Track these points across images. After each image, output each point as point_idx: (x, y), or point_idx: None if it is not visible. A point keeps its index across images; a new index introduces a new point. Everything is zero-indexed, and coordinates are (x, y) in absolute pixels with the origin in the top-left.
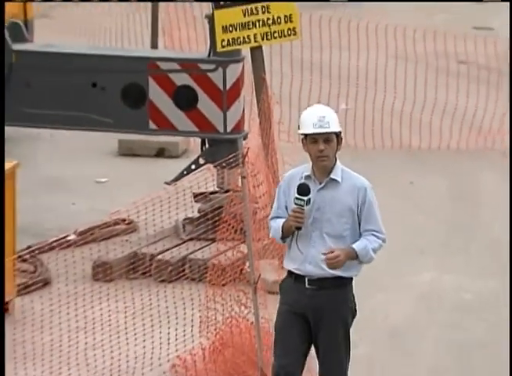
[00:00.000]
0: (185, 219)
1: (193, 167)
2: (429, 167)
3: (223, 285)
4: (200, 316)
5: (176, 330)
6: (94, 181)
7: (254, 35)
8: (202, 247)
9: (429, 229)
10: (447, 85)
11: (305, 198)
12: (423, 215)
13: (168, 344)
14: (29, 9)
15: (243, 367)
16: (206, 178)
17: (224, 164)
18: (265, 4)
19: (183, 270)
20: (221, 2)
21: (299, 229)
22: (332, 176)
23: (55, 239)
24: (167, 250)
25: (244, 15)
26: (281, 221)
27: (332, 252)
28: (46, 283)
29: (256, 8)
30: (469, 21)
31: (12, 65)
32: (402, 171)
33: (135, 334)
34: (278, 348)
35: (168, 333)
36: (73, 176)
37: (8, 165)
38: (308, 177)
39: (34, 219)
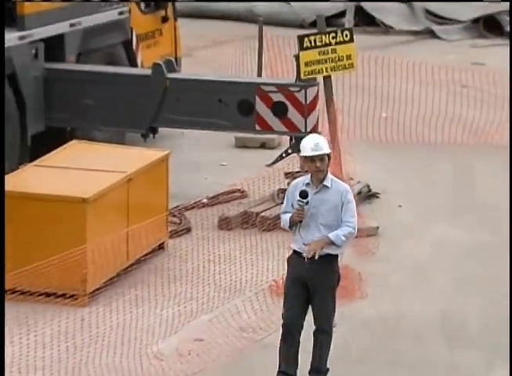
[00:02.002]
0: (278, 189)
1: (284, 155)
2: (441, 155)
3: None
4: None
5: (273, 262)
6: (219, 164)
7: (326, 68)
8: None
9: (440, 197)
10: (454, 101)
11: (305, 200)
12: (436, 188)
13: (267, 272)
14: (178, 49)
15: None
16: (292, 163)
17: None
18: (333, 47)
19: (278, 223)
20: (305, 46)
21: (301, 221)
22: (324, 183)
23: (194, 201)
24: (267, 209)
25: (319, 54)
26: (288, 215)
27: (308, 246)
28: (188, 230)
29: (327, 50)
30: (469, 59)
31: (167, 87)
32: (422, 158)
33: (246, 265)
34: (286, 303)
35: (267, 265)
36: (205, 161)
37: (163, 153)
38: (307, 184)
39: (180, 189)
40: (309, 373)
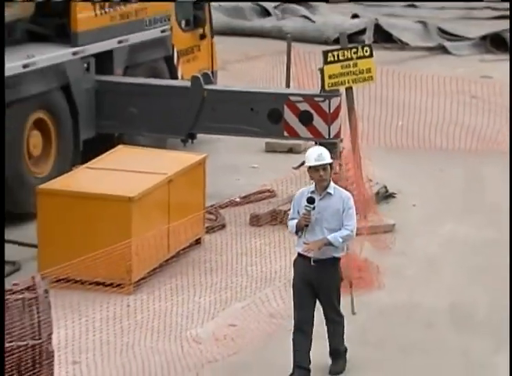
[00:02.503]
0: None
1: None
2: (452, 160)
3: None
4: None
5: None
6: (250, 167)
7: (348, 80)
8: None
9: (451, 198)
10: (464, 111)
11: (312, 206)
12: (447, 189)
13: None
14: (214, 64)
15: None
16: None
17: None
18: (354, 61)
19: None
20: (329, 60)
21: (307, 225)
22: (328, 191)
23: (228, 200)
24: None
25: (342, 68)
26: (295, 221)
27: (308, 245)
28: (223, 226)
29: (349, 64)
30: (477, 72)
31: (205, 98)
32: (434, 162)
33: (275, 258)
34: (296, 303)
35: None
36: (238, 164)
37: (200, 157)
38: (312, 192)
39: (215, 189)
40: (330, 354)
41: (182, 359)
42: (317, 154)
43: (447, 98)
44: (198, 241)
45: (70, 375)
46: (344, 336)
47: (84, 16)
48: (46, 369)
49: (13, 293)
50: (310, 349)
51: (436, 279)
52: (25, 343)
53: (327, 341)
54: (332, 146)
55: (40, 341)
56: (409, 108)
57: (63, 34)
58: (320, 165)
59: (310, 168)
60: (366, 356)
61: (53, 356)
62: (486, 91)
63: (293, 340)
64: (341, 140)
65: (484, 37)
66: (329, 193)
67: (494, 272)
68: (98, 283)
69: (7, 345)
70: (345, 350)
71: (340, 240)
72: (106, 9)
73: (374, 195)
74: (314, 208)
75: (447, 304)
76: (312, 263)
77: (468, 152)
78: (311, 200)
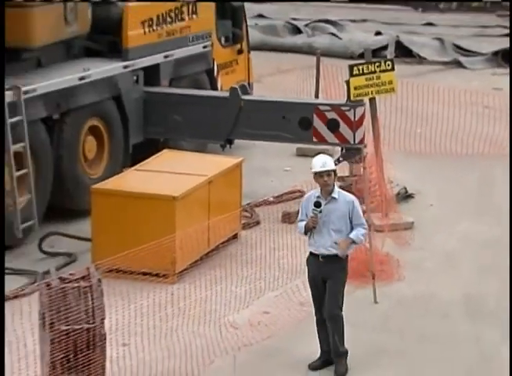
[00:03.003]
0: None
1: (336, 162)
2: (466, 164)
3: None
4: None
5: None
6: (283, 169)
7: (371, 92)
8: None
9: (465, 199)
10: (477, 120)
11: (319, 209)
12: (462, 190)
13: None
14: (250, 76)
15: (363, 271)
16: (343, 169)
17: (353, 161)
18: (377, 74)
19: None
20: (354, 73)
21: (314, 227)
22: (332, 195)
23: (262, 199)
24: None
25: (366, 80)
26: (303, 223)
27: (340, 244)
28: (257, 223)
29: (372, 77)
30: (490, 85)
31: (241, 107)
32: (450, 166)
33: (304, 252)
34: (312, 297)
35: None
36: (272, 167)
37: (237, 160)
38: (318, 196)
39: (251, 189)
40: (331, 355)
41: (221, 343)
42: (322, 162)
43: (461, 108)
44: (235, 236)
45: (120, 356)
46: (344, 337)
47: (134, 34)
48: (99, 350)
49: (70, 282)
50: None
51: (451, 272)
52: (80, 327)
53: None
54: (356, 151)
55: (94, 325)
56: (426, 117)
57: (115, 50)
58: (324, 171)
59: (315, 173)
60: (387, 342)
61: (105, 339)
62: (497, 101)
63: (317, 329)
64: (365, 145)
65: (496, 53)
66: (334, 198)
67: (504, 266)
68: (145, 274)
69: (65, 328)
70: (346, 352)
71: (362, 237)
72: (154, 27)
73: (395, 195)
74: (320, 212)
75: (461, 295)
76: (321, 259)
77: (481, 157)
78: (317, 205)
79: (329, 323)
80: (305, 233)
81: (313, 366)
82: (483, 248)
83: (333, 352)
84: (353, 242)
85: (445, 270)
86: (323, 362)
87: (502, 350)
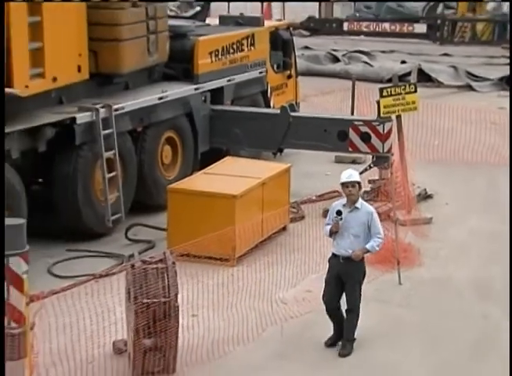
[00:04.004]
0: (364, 191)
1: (368, 168)
2: (476, 170)
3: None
4: None
5: None
6: (324, 174)
7: (397, 110)
8: (370, 204)
9: (475, 199)
10: (485, 133)
11: (339, 217)
12: (472, 192)
13: None
14: (298, 97)
15: (389, 258)
16: (373, 173)
17: (382, 167)
18: (403, 96)
19: None
20: (384, 95)
21: (337, 232)
22: (356, 205)
23: (306, 198)
24: None
25: (393, 100)
26: (329, 227)
27: (355, 252)
28: (302, 217)
29: (399, 98)
30: (496, 105)
31: (290, 122)
32: (463, 171)
33: None
34: (325, 291)
35: None
36: (315, 171)
37: (286, 165)
38: (344, 205)
39: (297, 189)
40: (342, 342)
41: (271, 315)
42: (348, 174)
43: (472, 124)
44: (284, 228)
45: (190, 325)
46: (356, 327)
47: (203, 62)
48: (173, 319)
49: (150, 264)
50: (340, 323)
51: (463, 259)
52: (158, 300)
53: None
54: (385, 159)
55: (169, 299)
56: (443, 131)
57: (188, 75)
58: (349, 182)
59: (342, 184)
60: (409, 316)
61: (178, 310)
62: (502, 119)
63: (328, 316)
64: (392, 154)
65: (501, 79)
66: (357, 208)
67: (506, 255)
68: (210, 258)
69: (146, 301)
70: (354, 339)
71: (376, 248)
72: (219, 57)
73: (416, 196)
74: (341, 219)
75: (471, 278)
76: (341, 260)
77: (488, 164)
78: (339, 213)
79: (348, 314)
80: (330, 236)
81: (329, 343)
82: (489, 240)
83: (344, 337)
84: (368, 251)
85: (458, 258)
86: (336, 339)
87: (503, 324)
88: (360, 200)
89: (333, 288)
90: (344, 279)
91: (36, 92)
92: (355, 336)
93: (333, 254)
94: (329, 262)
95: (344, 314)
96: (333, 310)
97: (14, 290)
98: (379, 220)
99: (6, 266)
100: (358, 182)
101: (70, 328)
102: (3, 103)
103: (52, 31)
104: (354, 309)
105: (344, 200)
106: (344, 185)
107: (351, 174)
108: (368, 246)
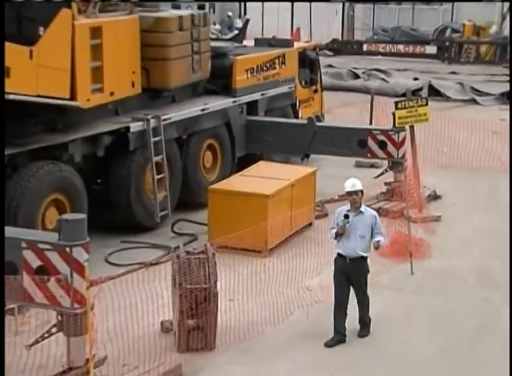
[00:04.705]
0: (380, 192)
1: (384, 172)
2: (480, 174)
3: (395, 218)
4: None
5: None
6: (343, 177)
7: (411, 121)
8: (386, 204)
9: (478, 199)
10: (488, 141)
11: (347, 220)
12: (477, 193)
13: None
14: (323, 109)
15: (403, 251)
16: (389, 177)
17: (397, 171)
18: (415, 108)
19: (379, 209)
20: (399, 107)
21: (342, 234)
22: (360, 210)
23: (329, 198)
24: (373, 203)
25: (407, 112)
26: (334, 230)
27: (375, 245)
28: (326, 215)
29: (412, 110)
30: (497, 117)
31: (316, 131)
32: (468, 175)
33: None
34: (335, 288)
35: None
36: (337, 174)
37: (312, 169)
38: (348, 210)
39: (321, 190)
40: (358, 322)
41: (298, 300)
42: (352, 184)
43: (476, 133)
44: (310, 224)
45: (227, 308)
46: (369, 311)
47: (240, 78)
48: (213, 303)
49: (193, 254)
50: (345, 320)
51: (467, 252)
52: (200, 286)
53: (358, 314)
54: (399, 164)
55: (209, 285)
56: (451, 139)
57: (227, 90)
58: (353, 191)
59: (347, 192)
60: (420, 302)
61: (217, 295)
62: (503, 129)
63: (334, 314)
64: (406, 160)
65: (502, 94)
66: (361, 212)
67: (505, 249)
68: (245, 250)
69: (189, 287)
70: (370, 320)
71: (384, 241)
72: (254, 74)
73: (426, 196)
74: (348, 222)
75: (474, 268)
76: (348, 261)
77: (491, 169)
78: (346, 216)
79: (359, 304)
80: (335, 238)
81: (329, 344)
82: (490, 236)
83: (360, 320)
84: (378, 244)
85: (462, 251)
86: (336, 341)
87: (503, 308)
88: (363, 205)
89: (343, 287)
90: (352, 277)
91: (96, 105)
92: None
93: (339, 255)
94: (335, 262)
95: (357, 305)
96: (343, 305)
97: (76, 276)
98: (380, 221)
99: (70, 255)
100: (361, 191)
101: (123, 309)
102: (3, 103)
103: (110, 52)
104: (363, 300)
105: (347, 207)
106: (349, 193)
107: (354, 183)
108: (379, 239)
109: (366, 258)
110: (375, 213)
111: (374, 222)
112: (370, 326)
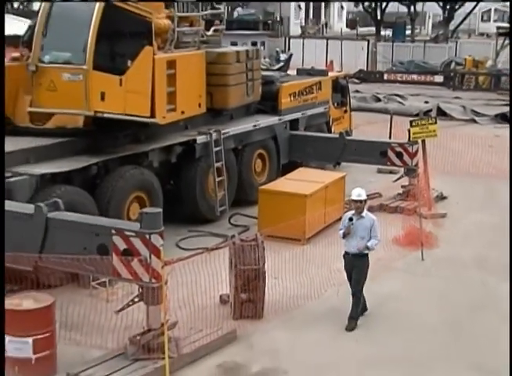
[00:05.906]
0: (397, 193)
1: (401, 177)
2: (478, 180)
3: (409, 215)
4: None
5: (395, 228)
6: (369, 180)
7: (423, 136)
8: (402, 203)
9: (478, 200)
10: (485, 153)
11: (351, 222)
12: (477, 195)
13: (392, 231)
14: (351, 126)
15: (415, 241)
16: (405, 181)
17: (411, 176)
18: (426, 126)
19: (397, 209)
20: (413, 125)
21: (349, 234)
22: (362, 214)
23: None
24: (391, 203)
25: (420, 129)
26: (342, 231)
27: (359, 247)
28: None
29: (423, 127)
30: (492, 133)
31: (346, 143)
32: (468, 181)
33: (383, 230)
34: (348, 279)
35: (392, 228)
36: (362, 178)
37: (342, 174)
38: (353, 214)
39: (349, 191)
40: (348, 319)
41: (331, 279)
42: (358, 193)
43: (475, 146)
44: (340, 219)
45: (273, 284)
46: (359, 309)
47: (285, 101)
48: (261, 281)
49: (246, 241)
50: (359, 305)
51: (470, 242)
52: (251, 267)
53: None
54: (413, 170)
55: (259, 266)
56: (455, 151)
57: (274, 110)
58: (358, 200)
59: (352, 201)
60: (430, 283)
61: (265, 274)
62: (498, 143)
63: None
64: (418, 167)
65: (496, 115)
66: (363, 216)
67: (503, 241)
68: (288, 238)
69: (243, 267)
70: (358, 317)
71: (374, 246)
72: (296, 97)
73: (435, 197)
74: (352, 224)
75: (474, 257)
76: (351, 256)
77: (488, 176)
78: (351, 219)
79: (353, 298)
80: (343, 238)
81: (349, 328)
82: (490, 230)
83: (349, 316)
84: (367, 247)
85: (465, 242)
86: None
87: (502, 289)
88: (365, 210)
89: (349, 276)
90: (352, 270)
91: (170, 121)
92: (365, 313)
93: (346, 252)
94: (343, 257)
95: (351, 298)
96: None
97: (154, 257)
98: (379, 227)
99: (149, 241)
100: (365, 200)
101: (190, 284)
102: (3, 103)
103: (182, 80)
104: (356, 293)
105: (352, 212)
106: (355, 201)
107: (359, 193)
108: (368, 243)
109: (367, 254)
110: (374, 218)
111: (372, 225)
112: (358, 321)
